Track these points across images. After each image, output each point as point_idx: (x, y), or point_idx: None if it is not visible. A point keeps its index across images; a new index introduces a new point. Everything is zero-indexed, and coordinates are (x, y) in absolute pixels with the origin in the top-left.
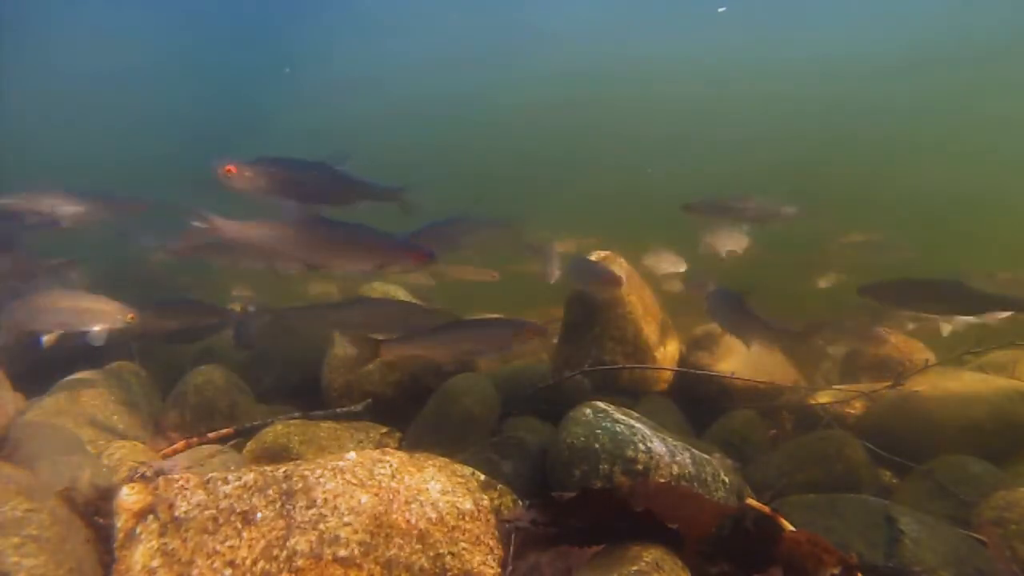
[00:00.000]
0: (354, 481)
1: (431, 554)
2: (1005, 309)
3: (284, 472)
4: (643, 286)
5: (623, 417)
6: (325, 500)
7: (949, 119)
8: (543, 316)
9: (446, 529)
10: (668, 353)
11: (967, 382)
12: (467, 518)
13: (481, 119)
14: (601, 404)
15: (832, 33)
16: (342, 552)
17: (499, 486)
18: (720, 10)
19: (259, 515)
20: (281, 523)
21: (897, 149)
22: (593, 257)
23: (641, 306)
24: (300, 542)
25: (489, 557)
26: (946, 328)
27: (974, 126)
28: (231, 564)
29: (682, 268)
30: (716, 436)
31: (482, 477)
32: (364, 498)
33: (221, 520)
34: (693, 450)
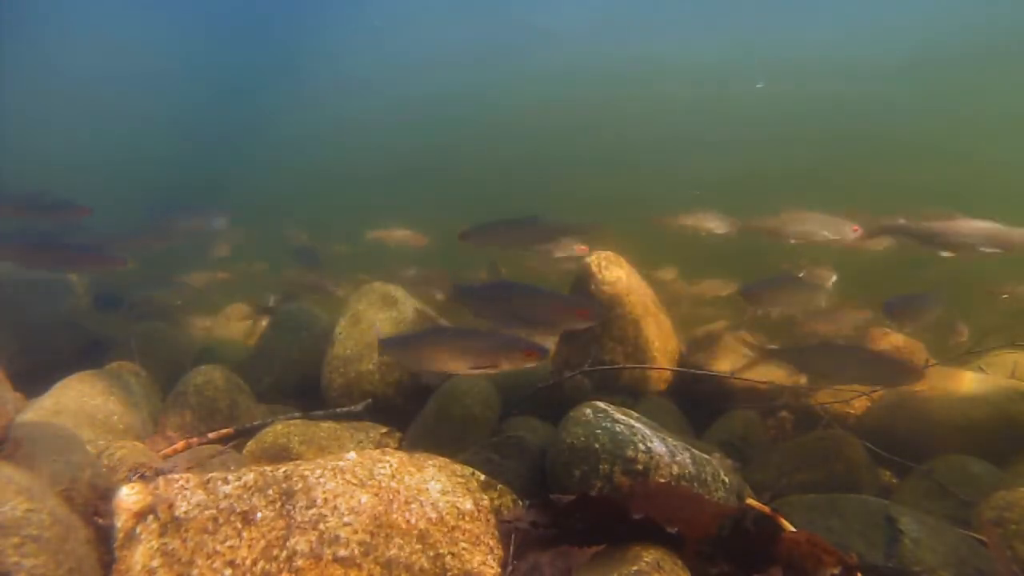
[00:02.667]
0: (354, 481)
1: (431, 554)
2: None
3: (284, 472)
4: (643, 286)
5: (623, 417)
6: (325, 500)
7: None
8: None
9: (446, 529)
10: (668, 353)
11: (967, 382)
12: (467, 518)
13: (481, 119)
14: (601, 404)
15: (834, 33)
16: (342, 552)
17: (499, 486)
18: (758, 86)
19: (259, 515)
20: (281, 523)
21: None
22: (593, 257)
23: (641, 306)
24: (300, 542)
25: (489, 557)
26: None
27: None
28: (231, 564)
29: (724, 228)
30: (716, 436)
31: (482, 477)
32: (364, 498)
33: (221, 520)
34: (693, 450)
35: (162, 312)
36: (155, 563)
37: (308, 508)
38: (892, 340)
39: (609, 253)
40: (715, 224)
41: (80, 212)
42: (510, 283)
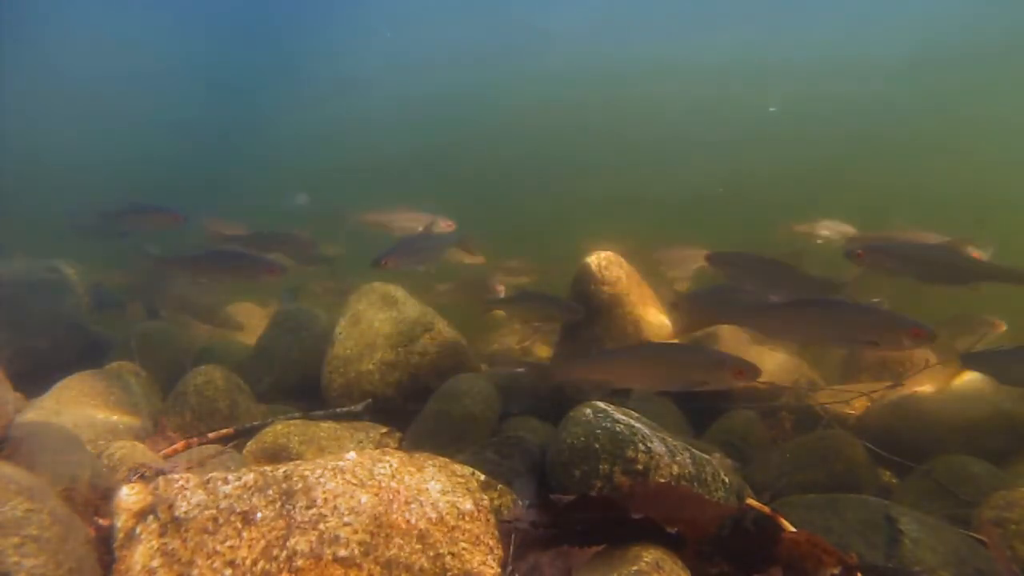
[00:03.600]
0: (354, 481)
1: (431, 554)
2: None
3: (284, 472)
4: (643, 285)
5: (623, 417)
6: (325, 500)
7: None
8: None
9: (446, 529)
10: None
11: (967, 382)
12: (467, 518)
13: (481, 119)
14: (601, 404)
15: (834, 33)
16: (342, 552)
17: (499, 486)
18: (771, 109)
19: (259, 515)
20: (281, 523)
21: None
22: (593, 257)
23: (641, 305)
24: (300, 542)
25: (489, 557)
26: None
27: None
28: (231, 564)
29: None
30: (716, 436)
31: (482, 477)
32: (364, 498)
33: (221, 520)
34: (693, 450)
35: (199, 312)
36: (155, 563)
37: (308, 508)
38: None
39: (609, 253)
40: (834, 232)
41: (175, 219)
42: (823, 298)
